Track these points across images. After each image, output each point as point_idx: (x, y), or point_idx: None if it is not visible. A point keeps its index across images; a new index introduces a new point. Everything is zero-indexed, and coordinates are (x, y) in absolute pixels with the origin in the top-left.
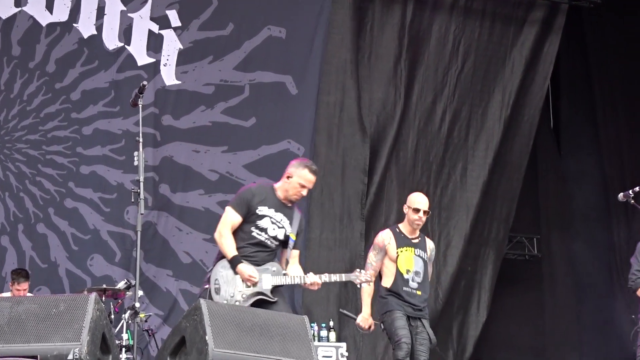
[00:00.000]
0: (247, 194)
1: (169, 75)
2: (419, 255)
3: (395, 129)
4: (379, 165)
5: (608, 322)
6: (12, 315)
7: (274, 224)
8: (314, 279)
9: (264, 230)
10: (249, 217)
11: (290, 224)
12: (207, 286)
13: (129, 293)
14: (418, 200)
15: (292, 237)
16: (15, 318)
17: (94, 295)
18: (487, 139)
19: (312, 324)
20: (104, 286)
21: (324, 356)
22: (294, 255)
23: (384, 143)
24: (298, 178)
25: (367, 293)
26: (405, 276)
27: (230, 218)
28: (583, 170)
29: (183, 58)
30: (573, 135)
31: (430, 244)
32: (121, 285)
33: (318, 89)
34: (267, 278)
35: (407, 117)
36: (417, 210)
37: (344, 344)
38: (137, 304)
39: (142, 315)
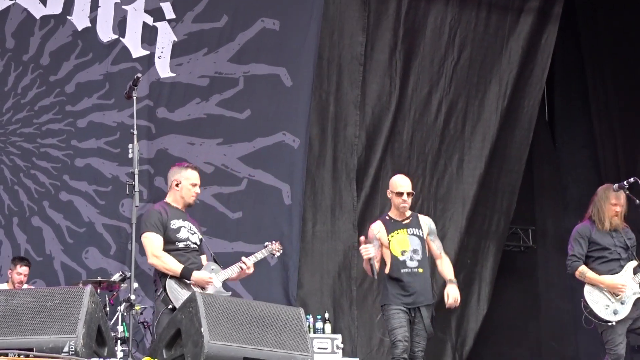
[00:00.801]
0: (155, 215)
1: (163, 68)
2: (413, 234)
3: (391, 120)
4: (374, 157)
5: None
6: (7, 308)
7: (189, 232)
8: (249, 263)
9: (186, 239)
10: (167, 233)
11: (196, 228)
12: (169, 307)
13: (124, 285)
14: (399, 184)
15: (202, 239)
16: (10, 311)
17: (89, 287)
18: (483, 130)
19: (308, 316)
20: (99, 279)
21: (319, 348)
22: (203, 259)
23: (379, 135)
24: (186, 180)
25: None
26: (401, 258)
27: (154, 241)
28: (577, 161)
29: (177, 50)
30: (567, 128)
31: (425, 219)
32: (116, 277)
33: (313, 81)
34: (214, 277)
35: (402, 109)
36: (400, 194)
37: (339, 336)
38: (133, 296)
39: (137, 307)
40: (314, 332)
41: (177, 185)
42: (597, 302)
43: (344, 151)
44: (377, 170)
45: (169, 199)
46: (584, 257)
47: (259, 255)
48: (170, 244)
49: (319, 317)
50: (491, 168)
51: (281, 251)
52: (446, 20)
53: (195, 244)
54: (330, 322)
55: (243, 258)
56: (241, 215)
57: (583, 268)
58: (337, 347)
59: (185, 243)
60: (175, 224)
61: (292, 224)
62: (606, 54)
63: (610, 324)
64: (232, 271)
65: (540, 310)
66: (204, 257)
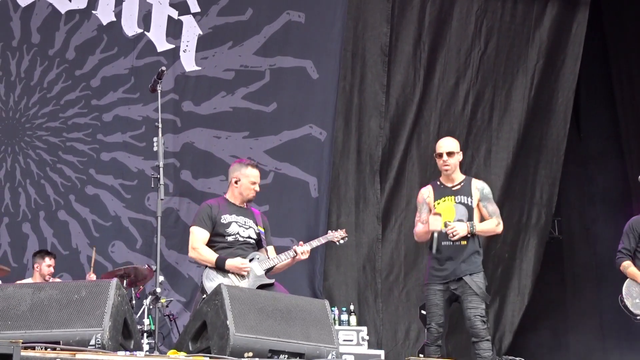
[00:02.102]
0: (206, 210)
1: (188, 61)
2: (460, 202)
3: (415, 111)
4: (398, 148)
5: None
6: (34, 302)
7: (242, 227)
8: (302, 249)
9: (236, 233)
10: (217, 228)
11: (255, 222)
12: (204, 296)
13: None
14: (439, 145)
15: (263, 230)
16: (37, 304)
17: (115, 281)
18: (511, 120)
19: (333, 308)
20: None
21: (344, 340)
22: (270, 251)
23: (403, 126)
24: (246, 178)
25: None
26: (444, 230)
27: (198, 235)
28: (603, 152)
29: (203, 44)
30: (592, 118)
31: (477, 184)
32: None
33: (339, 73)
34: (255, 266)
35: (428, 100)
36: (440, 155)
37: (364, 328)
38: (158, 289)
39: (163, 300)
40: (339, 324)
41: (236, 182)
42: (632, 295)
43: (368, 143)
44: (401, 162)
45: (227, 194)
46: (632, 252)
47: (315, 242)
48: (219, 237)
49: (344, 309)
50: (527, 160)
51: (346, 238)
52: (472, 10)
53: (249, 237)
54: (355, 315)
55: (299, 244)
56: (268, 209)
57: (626, 263)
58: (363, 339)
59: (234, 237)
60: (226, 218)
61: (318, 217)
62: (631, 42)
63: (637, 317)
64: (279, 259)
65: (566, 301)
66: (270, 249)
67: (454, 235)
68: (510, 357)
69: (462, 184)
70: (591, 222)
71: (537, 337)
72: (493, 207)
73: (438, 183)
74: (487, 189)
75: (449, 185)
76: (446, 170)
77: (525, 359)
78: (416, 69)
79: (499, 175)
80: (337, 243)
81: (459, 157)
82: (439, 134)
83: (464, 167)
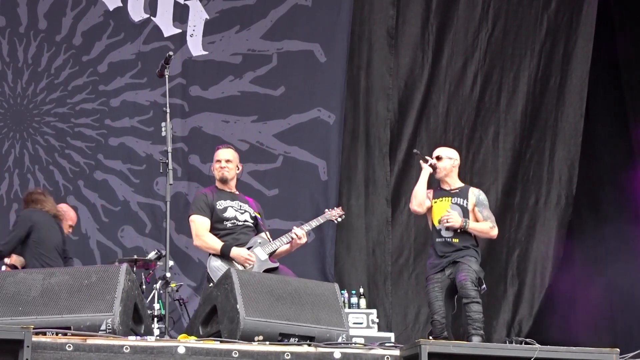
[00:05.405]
0: (202, 198)
1: (195, 46)
2: (456, 203)
3: (423, 94)
4: (407, 131)
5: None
6: (45, 287)
7: (237, 211)
8: (299, 232)
9: (234, 217)
10: (215, 214)
11: (249, 206)
12: (210, 285)
13: (159, 263)
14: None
15: (259, 215)
16: (48, 290)
17: (125, 265)
18: (519, 102)
19: (343, 291)
20: (135, 257)
21: (354, 323)
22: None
23: (411, 108)
24: (214, 162)
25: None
26: (438, 227)
27: (199, 223)
28: (611, 132)
29: (209, 28)
30: (599, 98)
31: (474, 191)
32: (152, 255)
33: (347, 56)
34: (259, 251)
35: (437, 82)
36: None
37: (374, 311)
38: (168, 274)
39: (173, 284)
40: (349, 307)
41: (213, 170)
42: None
43: (376, 125)
44: (410, 144)
45: (216, 183)
46: None
47: (314, 222)
48: (219, 223)
49: (353, 292)
50: (542, 142)
51: (343, 216)
52: None
53: (247, 221)
54: (365, 297)
55: (294, 228)
56: (277, 193)
57: None
58: (373, 322)
59: (232, 222)
60: (221, 204)
61: (328, 200)
62: (638, 21)
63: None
64: (281, 242)
65: (575, 287)
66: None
67: (447, 222)
68: (520, 339)
69: (459, 188)
70: (600, 203)
71: (547, 323)
72: (488, 212)
73: (438, 187)
74: (483, 196)
75: (448, 188)
76: (438, 175)
77: (546, 343)
78: (424, 51)
79: (507, 157)
80: (335, 221)
81: (450, 162)
82: (448, 116)
83: (472, 149)
